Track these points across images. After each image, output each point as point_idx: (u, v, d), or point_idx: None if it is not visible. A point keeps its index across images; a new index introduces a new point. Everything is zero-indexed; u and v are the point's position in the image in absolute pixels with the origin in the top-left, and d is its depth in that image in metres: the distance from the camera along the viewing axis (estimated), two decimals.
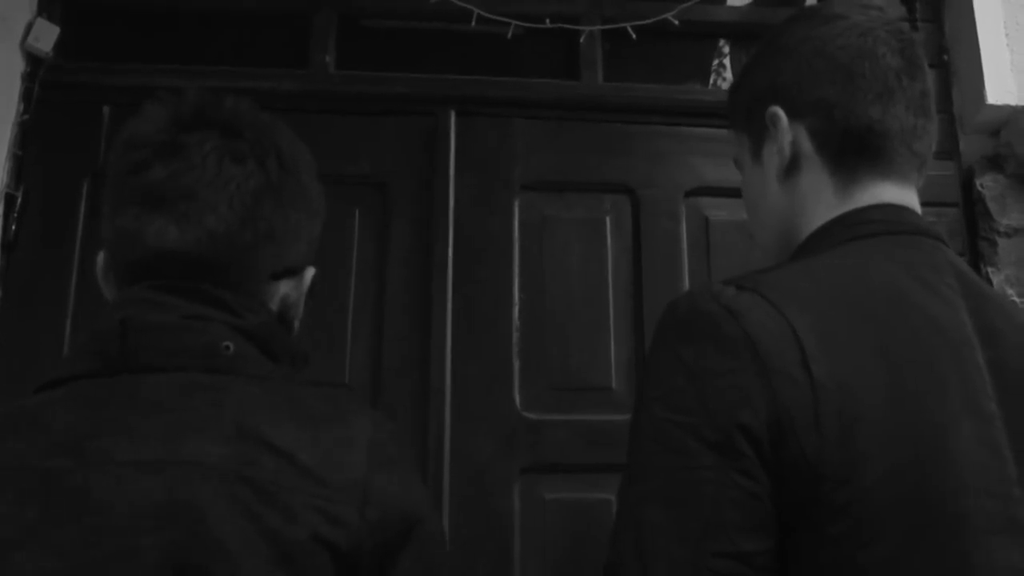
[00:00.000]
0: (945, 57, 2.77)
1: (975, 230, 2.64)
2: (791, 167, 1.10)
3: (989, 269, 2.59)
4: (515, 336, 2.40)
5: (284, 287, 1.09)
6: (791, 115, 1.10)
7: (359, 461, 0.91)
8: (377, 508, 0.89)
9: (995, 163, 2.67)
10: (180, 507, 0.83)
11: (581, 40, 2.61)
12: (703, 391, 0.87)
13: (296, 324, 1.15)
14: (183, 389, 0.91)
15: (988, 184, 2.65)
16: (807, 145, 1.09)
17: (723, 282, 0.95)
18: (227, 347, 0.95)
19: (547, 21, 2.57)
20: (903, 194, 1.08)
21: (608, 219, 2.52)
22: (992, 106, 2.59)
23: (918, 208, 1.09)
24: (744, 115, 1.18)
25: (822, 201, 1.07)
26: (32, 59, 2.46)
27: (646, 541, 0.84)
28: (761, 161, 1.14)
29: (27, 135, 2.41)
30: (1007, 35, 2.64)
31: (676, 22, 2.51)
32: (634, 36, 2.53)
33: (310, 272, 1.14)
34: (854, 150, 1.07)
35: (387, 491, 0.91)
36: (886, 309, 0.92)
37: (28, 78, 2.45)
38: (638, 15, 2.55)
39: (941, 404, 0.87)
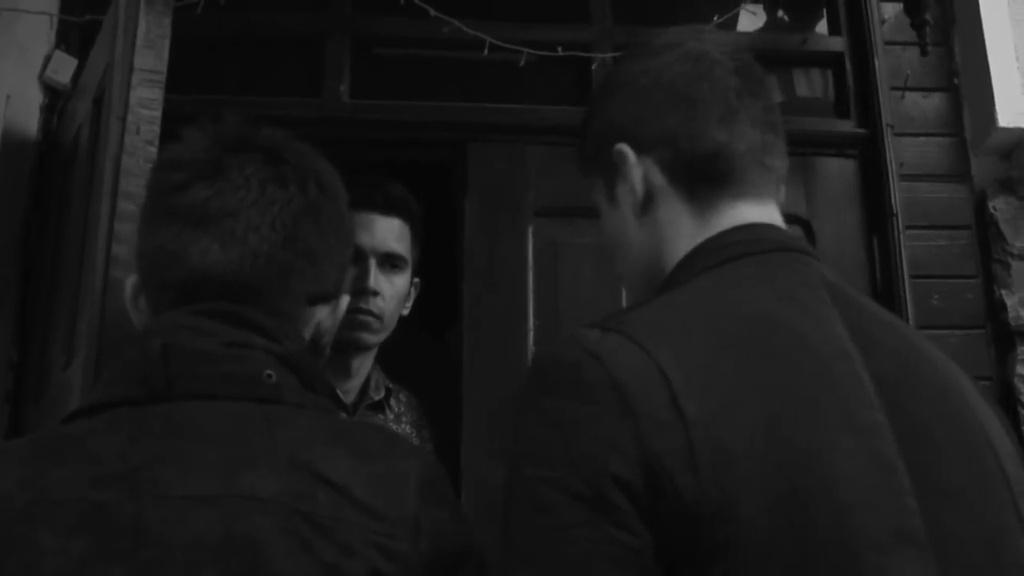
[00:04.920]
0: (956, 81, 2.79)
1: (988, 253, 2.65)
2: (646, 203, 1.06)
3: (1003, 291, 2.59)
4: (530, 361, 2.40)
5: (320, 313, 1.09)
6: (637, 150, 1.06)
7: (412, 497, 0.90)
8: (430, 543, 0.89)
9: (1007, 186, 2.68)
10: (239, 542, 0.82)
11: (593, 67, 2.63)
12: (570, 443, 0.81)
13: (327, 352, 1.14)
14: (232, 420, 0.91)
15: (1000, 207, 2.65)
16: (658, 178, 1.05)
17: (588, 325, 0.91)
18: (269, 375, 0.94)
19: (559, 49, 2.59)
20: (763, 212, 1.05)
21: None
22: (1004, 129, 2.60)
23: (780, 223, 1.07)
24: (593, 159, 1.14)
25: (682, 232, 1.04)
26: (50, 91, 2.49)
27: None
28: (617, 201, 1.10)
29: (46, 166, 2.44)
30: (1017, 58, 2.66)
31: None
32: None
33: (345, 300, 1.14)
34: (705, 176, 1.04)
35: (441, 528, 0.90)
36: (753, 334, 0.89)
37: (47, 110, 2.48)
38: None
39: (818, 425, 0.83)
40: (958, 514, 0.86)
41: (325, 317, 1.10)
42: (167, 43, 1.99)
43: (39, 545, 0.81)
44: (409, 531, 0.88)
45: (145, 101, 1.98)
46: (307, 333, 1.07)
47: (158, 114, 1.96)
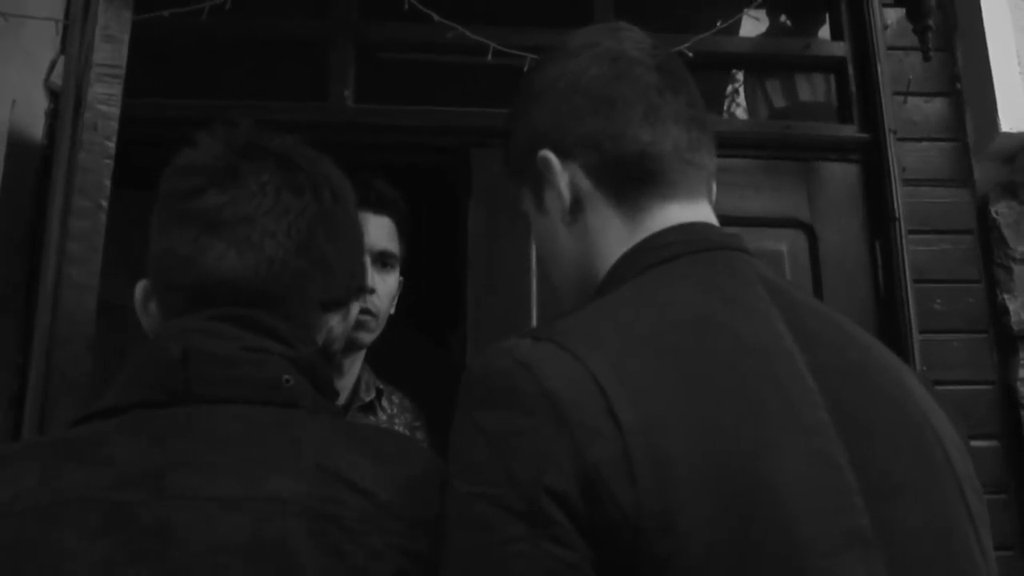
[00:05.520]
0: (958, 86, 2.79)
1: (990, 257, 2.65)
2: (574, 209, 1.04)
3: (1005, 296, 2.59)
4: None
5: (332, 319, 1.09)
6: (561, 156, 1.04)
7: (434, 498, 0.89)
8: None
9: (1009, 190, 2.68)
10: (268, 545, 0.82)
11: None
12: (503, 457, 0.78)
13: (337, 359, 1.14)
14: (252, 424, 0.91)
15: (1003, 211, 2.66)
16: (585, 183, 1.03)
17: (519, 335, 0.88)
18: (287, 380, 0.95)
19: None
20: (695, 211, 1.02)
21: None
22: (1006, 134, 2.61)
23: (714, 220, 1.04)
24: (519, 167, 1.11)
25: (612, 236, 1.02)
26: (55, 96, 2.49)
27: None
28: (545, 209, 1.08)
29: (50, 170, 2.45)
30: (1019, 63, 2.66)
31: (691, 54, 2.54)
32: None
33: (356, 307, 1.14)
34: (632, 178, 1.01)
35: None
36: (690, 337, 0.86)
37: (51, 114, 2.48)
38: None
39: (759, 427, 0.80)
40: (906, 509, 0.84)
41: (337, 323, 1.11)
42: (127, 38, 1.98)
43: (62, 546, 0.80)
44: (432, 533, 0.88)
45: (103, 97, 1.96)
46: (319, 339, 1.08)
47: (117, 110, 1.95)
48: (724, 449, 0.78)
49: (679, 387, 0.81)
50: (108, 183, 1.88)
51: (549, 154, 1.04)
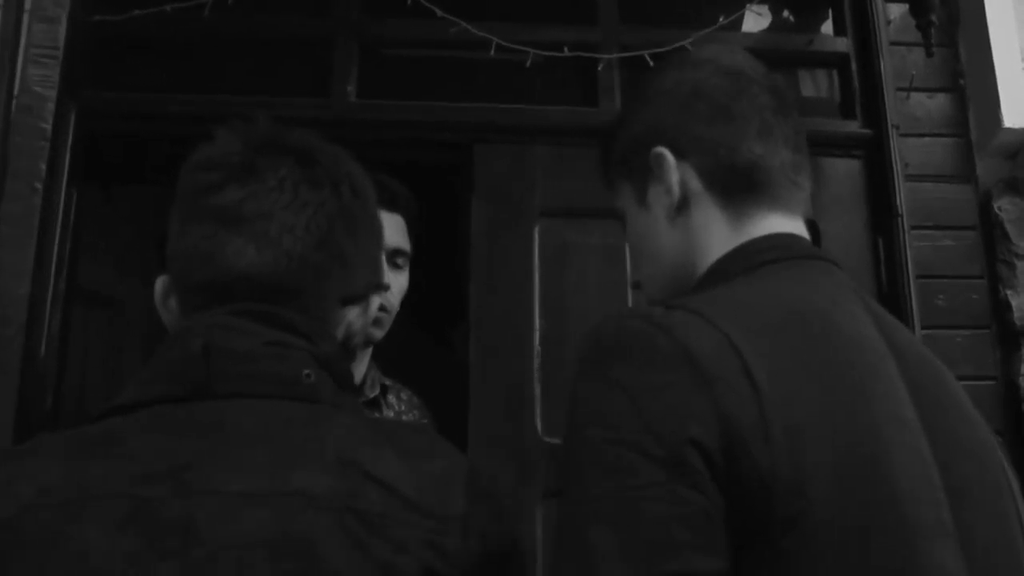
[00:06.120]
0: (961, 81, 2.79)
1: (993, 253, 2.65)
2: (681, 205, 1.10)
3: (1008, 292, 2.59)
4: (536, 362, 2.41)
5: (351, 314, 1.09)
6: (676, 155, 1.10)
7: (460, 495, 0.91)
8: (479, 541, 0.89)
9: (1012, 186, 2.68)
10: (293, 539, 0.82)
11: (599, 68, 2.63)
12: (644, 408, 0.82)
13: (356, 354, 1.14)
14: (275, 418, 0.91)
15: (1006, 207, 2.66)
16: (695, 183, 1.09)
17: (648, 306, 0.94)
18: (308, 375, 0.95)
19: (565, 50, 2.60)
20: (792, 224, 1.09)
21: (627, 245, 2.52)
22: (1009, 129, 2.61)
23: (807, 236, 1.11)
24: (623, 163, 1.18)
25: (716, 235, 1.08)
26: None
27: (594, 564, 0.79)
28: (647, 204, 1.14)
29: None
30: (1023, 59, 2.66)
31: (693, 50, 2.52)
32: (651, 64, 2.55)
33: (375, 301, 1.15)
34: (742, 186, 1.08)
35: (489, 526, 0.91)
36: (804, 326, 0.92)
37: None
38: (655, 43, 2.56)
39: (870, 415, 0.87)
40: (975, 513, 0.90)
41: (356, 318, 1.11)
42: (65, 18, 1.96)
43: (85, 541, 0.80)
44: (460, 529, 0.88)
45: (38, 79, 1.95)
46: (338, 334, 1.08)
47: (54, 92, 1.93)
48: (843, 430, 0.85)
49: (799, 367, 0.87)
50: (44, 166, 1.88)
51: (665, 151, 1.10)
